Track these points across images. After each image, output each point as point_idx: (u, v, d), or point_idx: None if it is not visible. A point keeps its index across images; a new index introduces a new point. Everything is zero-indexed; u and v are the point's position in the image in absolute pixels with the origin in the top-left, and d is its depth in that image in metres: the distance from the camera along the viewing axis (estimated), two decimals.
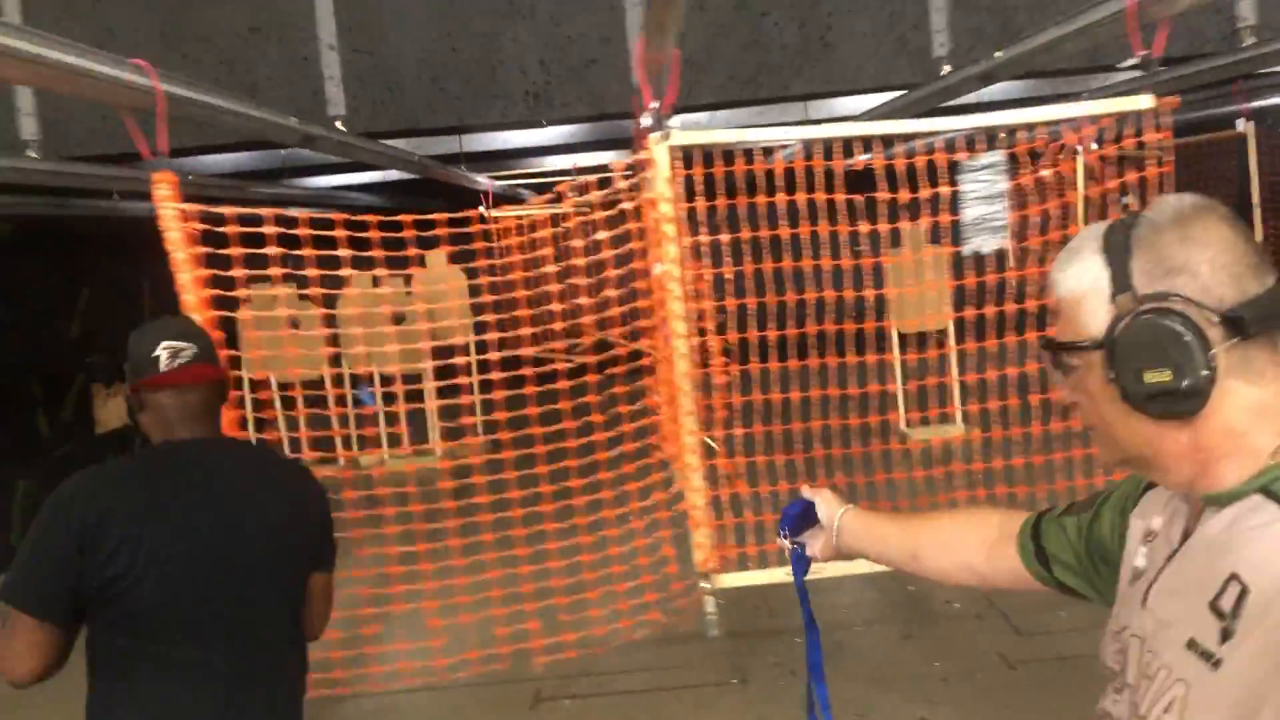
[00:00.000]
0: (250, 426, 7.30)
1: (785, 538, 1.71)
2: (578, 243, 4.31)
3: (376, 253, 4.19)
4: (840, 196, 3.78)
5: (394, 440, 9.39)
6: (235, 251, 3.56)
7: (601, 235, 3.35)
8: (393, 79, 6.09)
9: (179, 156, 6.53)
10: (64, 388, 7.89)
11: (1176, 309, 1.01)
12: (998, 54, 3.55)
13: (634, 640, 4.29)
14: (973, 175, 3.17)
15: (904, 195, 4.14)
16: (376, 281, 7.25)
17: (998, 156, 3.19)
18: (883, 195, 3.84)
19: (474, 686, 4.25)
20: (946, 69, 4.18)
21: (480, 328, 4.65)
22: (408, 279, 9.22)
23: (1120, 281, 1.06)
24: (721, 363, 3.89)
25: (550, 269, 4.20)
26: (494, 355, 4.19)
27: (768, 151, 3.32)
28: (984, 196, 3.13)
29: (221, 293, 3.71)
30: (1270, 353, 1.03)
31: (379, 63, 5.95)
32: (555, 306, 4.41)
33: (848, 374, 5.79)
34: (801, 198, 3.48)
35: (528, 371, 4.14)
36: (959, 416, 8.26)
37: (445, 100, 6.18)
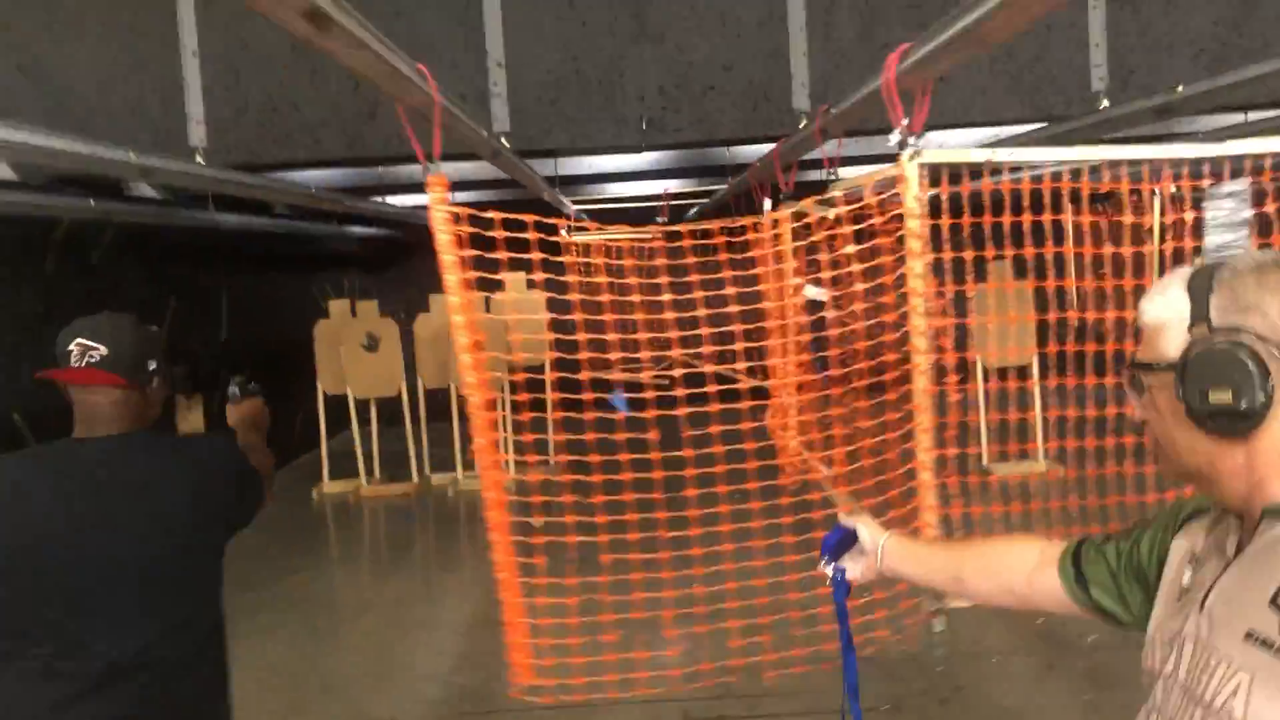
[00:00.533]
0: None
1: (827, 564, 1.83)
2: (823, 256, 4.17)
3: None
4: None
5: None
6: (502, 255, 3.59)
7: (850, 249, 3.37)
8: (515, 99, 6.14)
9: (291, 170, 6.59)
10: None
11: (1244, 340, 1.15)
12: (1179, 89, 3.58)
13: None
14: (1216, 202, 3.20)
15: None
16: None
17: (1242, 184, 3.23)
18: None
19: (626, 705, 4.21)
20: (1105, 103, 4.20)
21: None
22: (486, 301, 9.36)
23: (1199, 313, 1.20)
24: (955, 380, 3.89)
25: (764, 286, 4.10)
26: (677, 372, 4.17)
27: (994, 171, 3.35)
28: (1227, 224, 3.16)
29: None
30: None
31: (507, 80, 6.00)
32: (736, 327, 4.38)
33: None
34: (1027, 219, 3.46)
35: (711, 389, 4.14)
36: (1041, 453, 8.28)
37: (561, 122, 6.23)
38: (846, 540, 1.83)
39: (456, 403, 9.07)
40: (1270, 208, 3.32)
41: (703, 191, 10.35)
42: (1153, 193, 3.92)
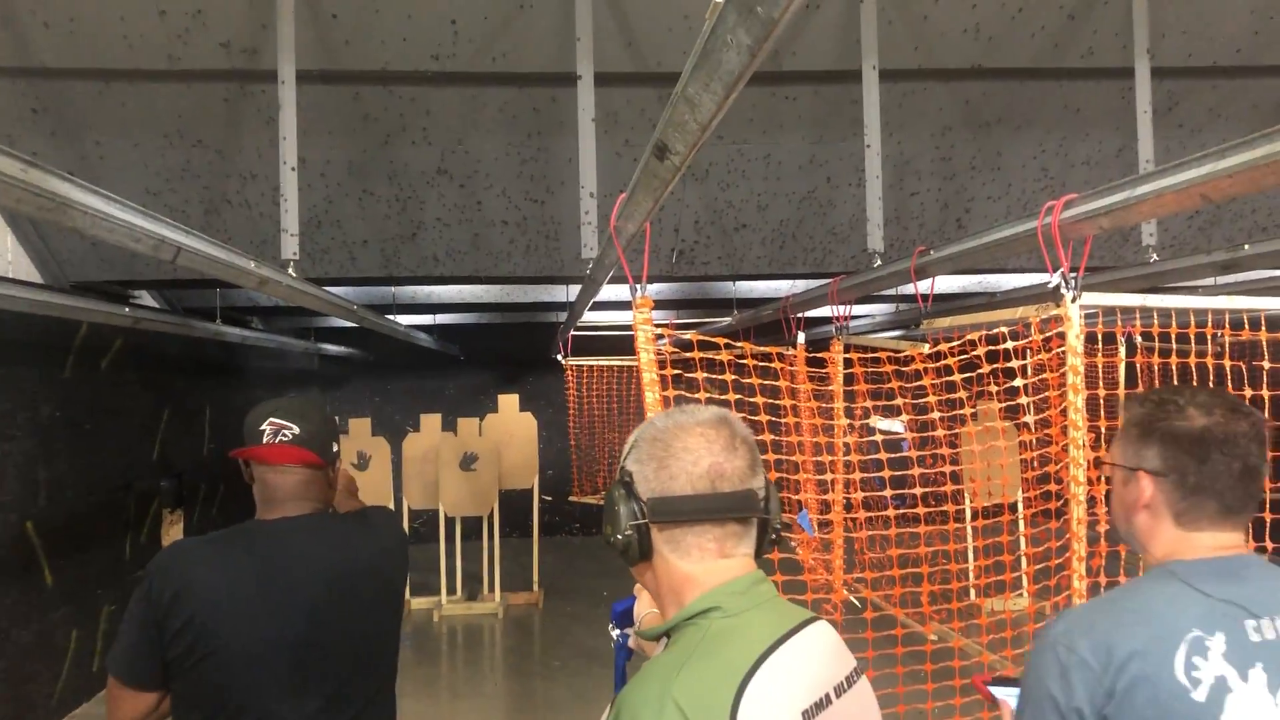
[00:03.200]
0: None
1: (613, 628, 2.01)
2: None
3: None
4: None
5: None
6: (700, 376, 3.65)
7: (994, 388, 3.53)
8: (552, 228, 6.30)
9: (324, 285, 6.61)
10: (148, 509, 7.68)
11: None
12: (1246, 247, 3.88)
13: None
14: None
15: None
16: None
17: None
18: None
19: None
20: (1154, 257, 4.50)
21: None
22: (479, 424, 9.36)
23: None
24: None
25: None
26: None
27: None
28: None
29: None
30: None
31: (545, 212, 6.16)
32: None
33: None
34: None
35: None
36: (1024, 588, 8.48)
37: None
38: (630, 610, 1.99)
39: (443, 524, 8.99)
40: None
41: (692, 323, 10.58)
42: None
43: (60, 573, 6.32)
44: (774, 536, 1.46)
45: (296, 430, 2.18)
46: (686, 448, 1.39)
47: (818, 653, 1.38)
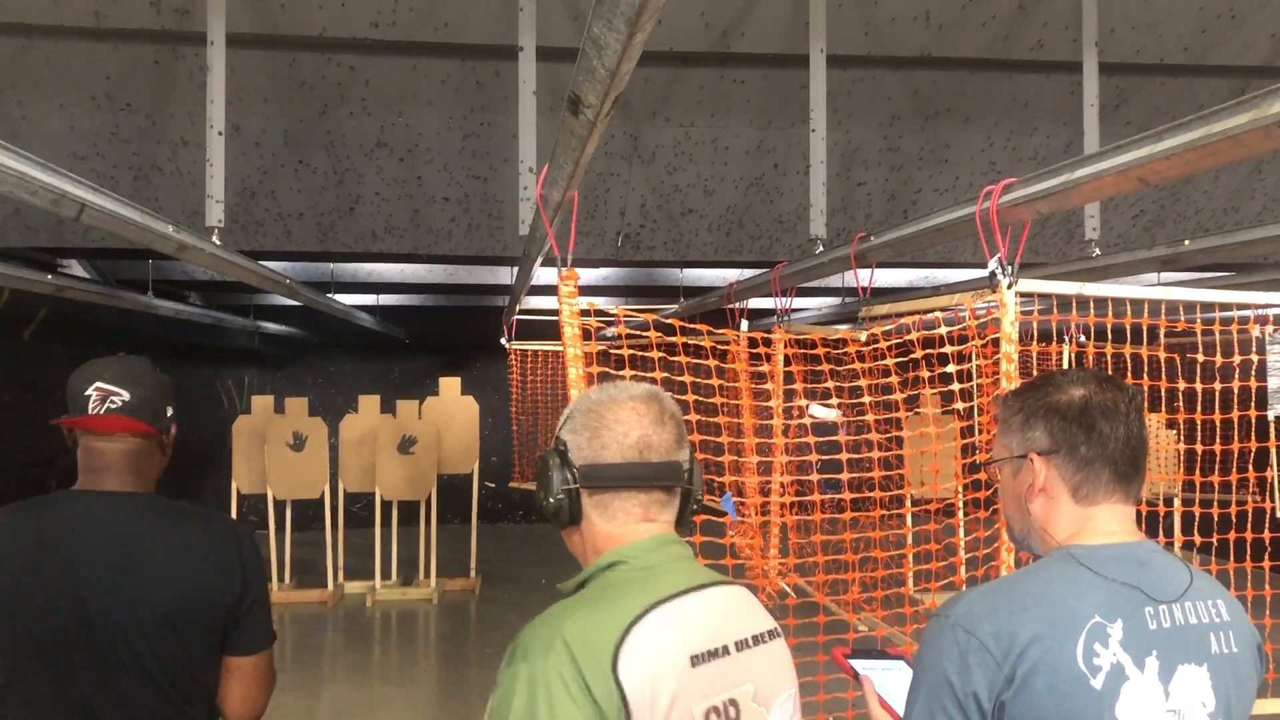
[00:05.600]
0: None
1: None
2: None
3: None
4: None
5: None
6: (626, 353, 3.55)
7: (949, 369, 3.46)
8: (495, 206, 6.18)
9: (258, 259, 6.46)
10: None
11: None
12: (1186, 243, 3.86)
13: None
14: (1277, 346, 3.44)
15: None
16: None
17: None
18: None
19: None
20: (1097, 251, 4.48)
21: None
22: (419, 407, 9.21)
23: None
24: None
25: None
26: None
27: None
28: None
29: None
30: None
31: (488, 190, 6.03)
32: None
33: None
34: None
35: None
36: (964, 584, 8.51)
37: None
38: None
39: (379, 507, 8.83)
40: None
41: (639, 309, 10.49)
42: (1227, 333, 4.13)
43: None
44: (695, 506, 1.57)
45: (125, 396, 2.03)
46: (618, 419, 1.50)
47: (722, 608, 1.45)
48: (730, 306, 5.88)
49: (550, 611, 1.40)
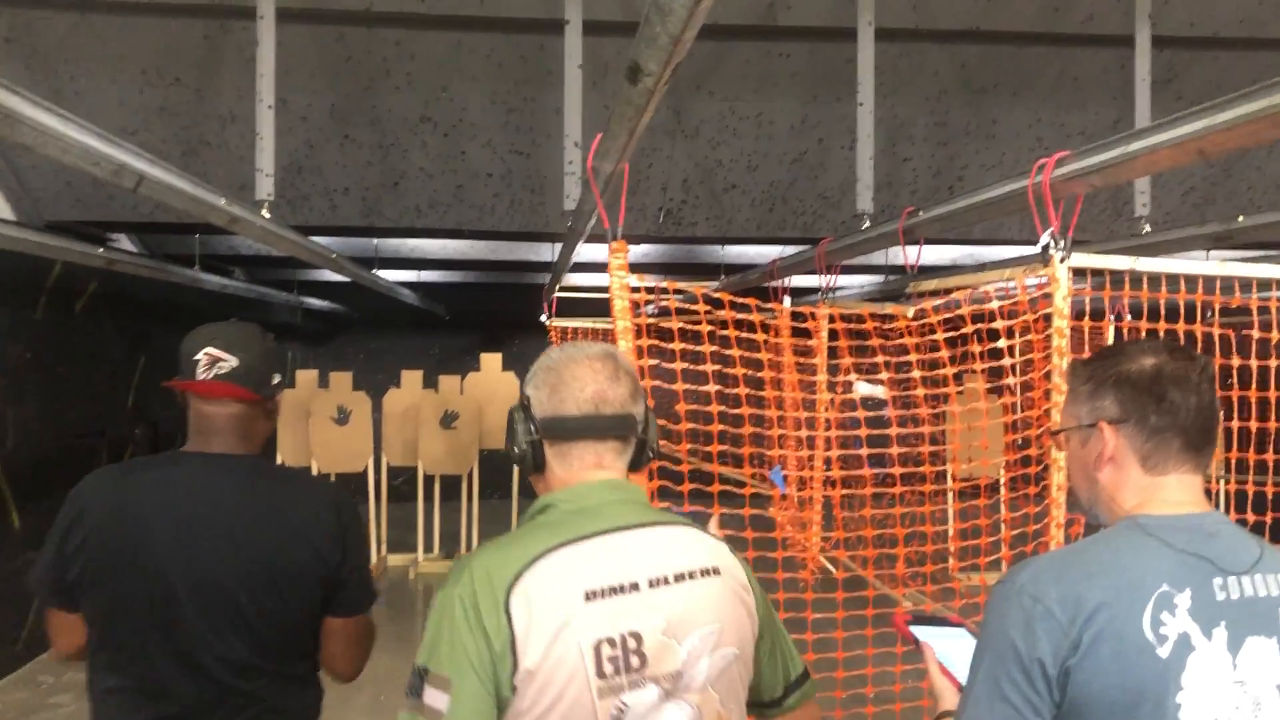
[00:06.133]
0: None
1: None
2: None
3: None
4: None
5: None
6: (675, 325, 3.56)
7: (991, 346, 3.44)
8: (537, 182, 6.19)
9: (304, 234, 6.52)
10: (121, 456, 7.59)
11: None
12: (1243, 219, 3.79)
13: None
14: None
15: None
16: None
17: None
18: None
19: None
20: (1147, 228, 4.42)
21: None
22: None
23: None
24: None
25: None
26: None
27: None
28: None
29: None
30: None
31: (531, 166, 6.04)
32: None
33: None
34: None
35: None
36: (1004, 565, 8.45)
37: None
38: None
39: (422, 482, 8.92)
40: None
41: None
42: None
43: (28, 517, 6.23)
44: (650, 454, 1.71)
45: (234, 363, 2.08)
46: (575, 376, 1.62)
47: (646, 546, 1.55)
48: (773, 284, 5.86)
49: (478, 547, 1.56)
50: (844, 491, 4.40)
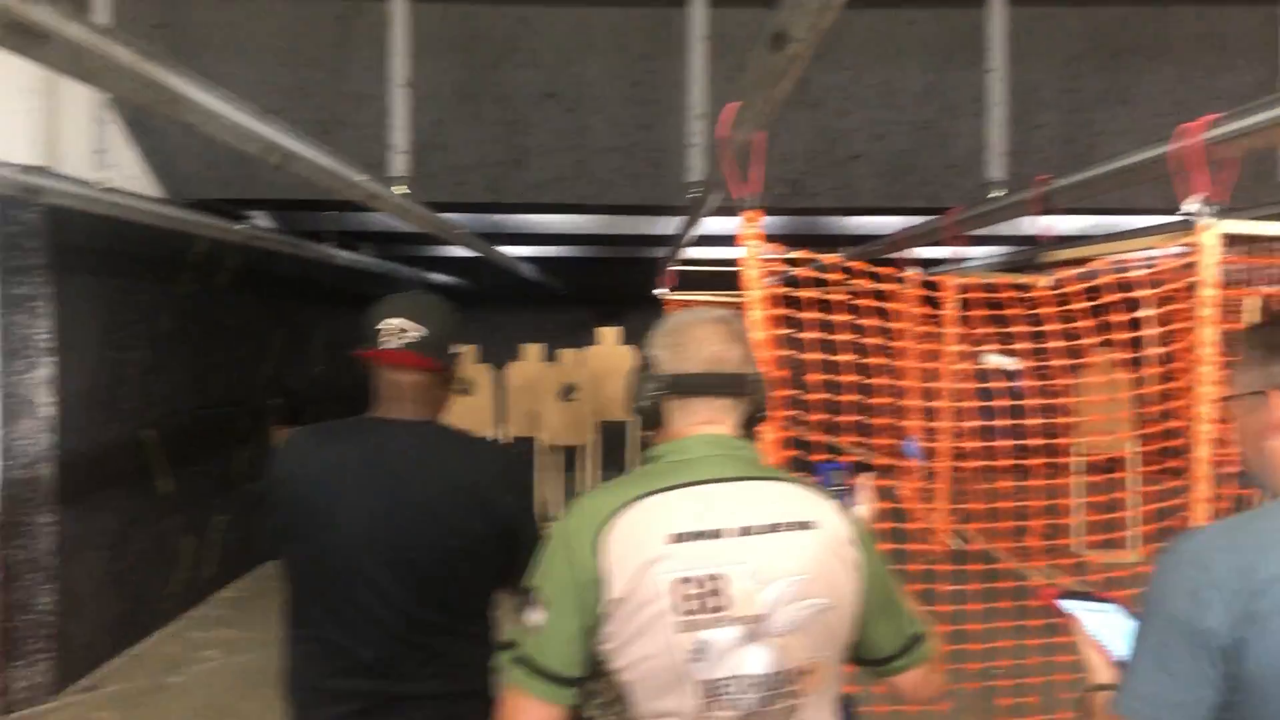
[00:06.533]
0: None
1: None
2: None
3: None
4: None
5: None
6: (804, 294, 3.60)
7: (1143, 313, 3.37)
8: (659, 156, 6.21)
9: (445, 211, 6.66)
10: (260, 425, 7.91)
11: None
12: None
13: None
14: None
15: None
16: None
17: None
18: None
19: None
20: None
21: None
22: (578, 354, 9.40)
23: None
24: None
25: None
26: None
27: None
28: None
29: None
30: None
31: (653, 139, 6.07)
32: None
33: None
34: None
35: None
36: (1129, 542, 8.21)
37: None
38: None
39: (545, 452, 9.07)
40: None
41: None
42: None
43: (176, 481, 6.55)
44: (760, 416, 1.80)
45: (416, 333, 2.15)
46: (695, 337, 1.74)
47: (738, 498, 1.63)
48: (896, 256, 5.78)
49: (595, 488, 1.70)
50: (976, 464, 4.31)
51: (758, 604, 1.57)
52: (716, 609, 1.56)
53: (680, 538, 1.57)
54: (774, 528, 1.62)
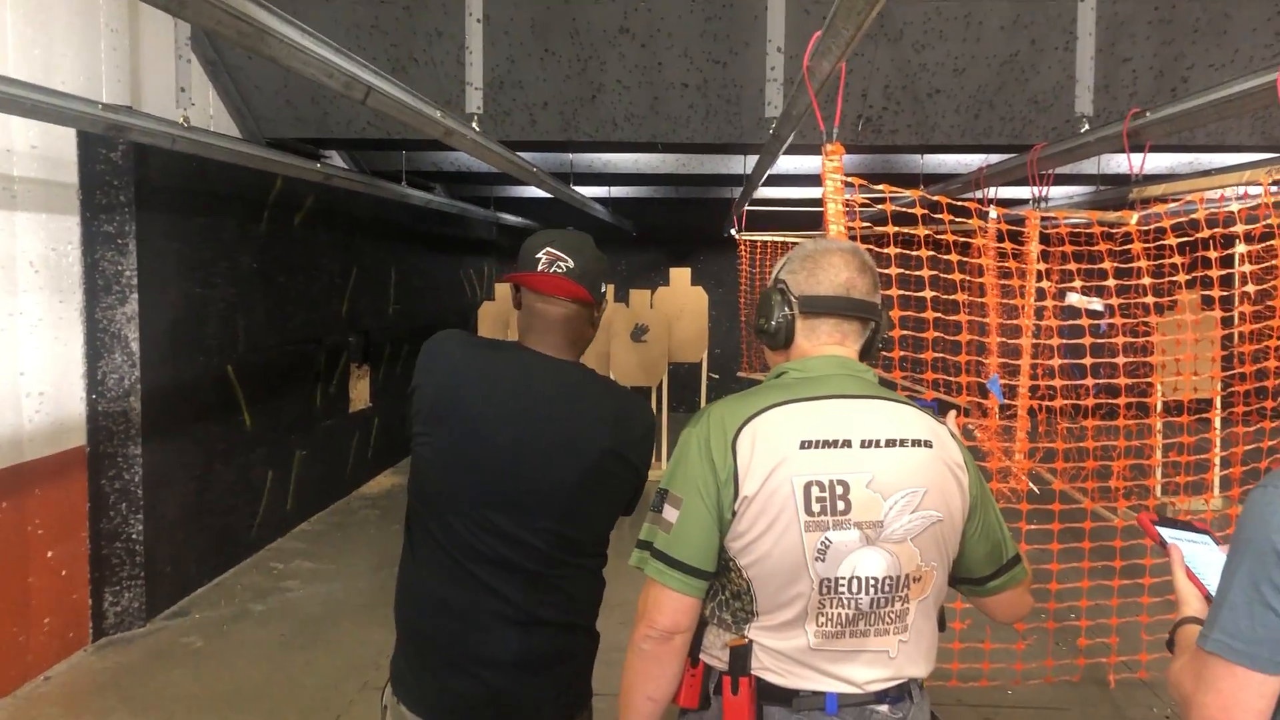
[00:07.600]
0: None
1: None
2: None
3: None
4: None
5: None
6: (889, 230, 3.57)
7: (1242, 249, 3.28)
8: (734, 92, 6.13)
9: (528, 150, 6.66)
10: (337, 363, 8.06)
11: None
12: None
13: None
14: None
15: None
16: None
17: None
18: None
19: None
20: None
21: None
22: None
23: None
24: None
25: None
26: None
27: None
28: None
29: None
30: None
31: (727, 75, 5.98)
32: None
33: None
34: None
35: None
36: (1216, 487, 8.04)
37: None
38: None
39: None
40: None
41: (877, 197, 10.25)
42: None
43: (257, 416, 6.71)
44: (880, 344, 1.91)
45: (571, 264, 2.13)
46: (830, 264, 1.84)
47: (861, 414, 1.72)
48: (978, 194, 5.65)
49: (718, 400, 1.81)
50: (1059, 402, 4.24)
51: (877, 511, 1.68)
52: (840, 512, 1.66)
53: (811, 444, 1.67)
54: (896, 443, 1.71)
